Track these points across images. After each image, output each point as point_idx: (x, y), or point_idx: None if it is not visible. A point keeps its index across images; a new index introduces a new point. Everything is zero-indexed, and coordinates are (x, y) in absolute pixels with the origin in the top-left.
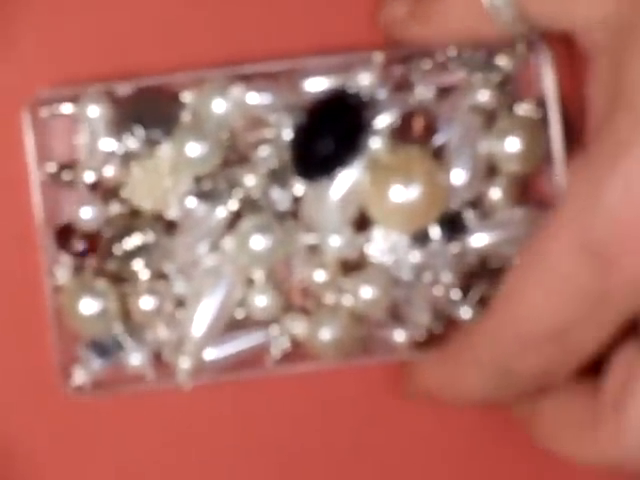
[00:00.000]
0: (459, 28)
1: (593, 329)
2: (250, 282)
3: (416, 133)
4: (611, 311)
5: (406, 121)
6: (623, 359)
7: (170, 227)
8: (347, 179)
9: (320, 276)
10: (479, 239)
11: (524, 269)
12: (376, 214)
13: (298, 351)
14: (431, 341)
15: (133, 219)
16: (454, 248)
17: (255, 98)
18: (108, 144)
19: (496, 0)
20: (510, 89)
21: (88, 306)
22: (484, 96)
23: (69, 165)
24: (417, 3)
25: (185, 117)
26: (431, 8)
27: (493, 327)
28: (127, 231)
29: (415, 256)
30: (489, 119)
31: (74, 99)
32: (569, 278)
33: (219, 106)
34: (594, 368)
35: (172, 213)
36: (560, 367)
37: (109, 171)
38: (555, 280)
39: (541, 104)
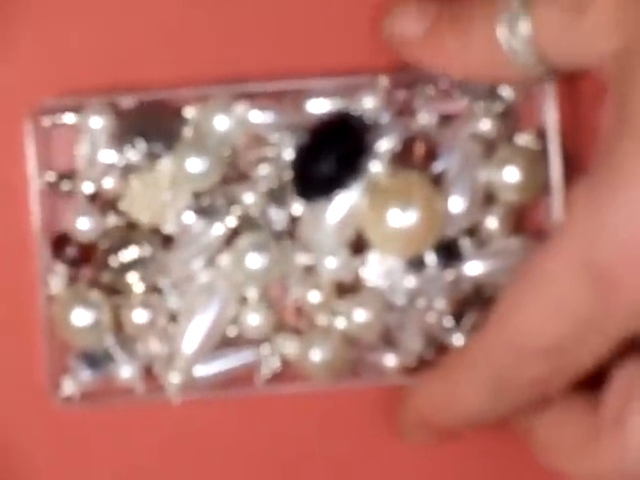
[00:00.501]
0: (475, 67)
1: (591, 346)
2: (243, 300)
3: (416, 159)
4: (610, 330)
5: (407, 146)
6: (624, 375)
7: (167, 241)
8: (345, 201)
9: (314, 297)
10: (474, 267)
11: (522, 285)
12: (373, 237)
13: (288, 371)
14: (422, 367)
15: (130, 232)
16: (449, 275)
17: (258, 116)
18: (108, 156)
19: (515, 43)
20: (511, 119)
21: (80, 317)
22: (485, 125)
23: (69, 175)
24: (433, 28)
25: (187, 132)
26: (449, 41)
27: (489, 342)
28: (123, 243)
29: (410, 281)
30: (489, 148)
31: (77, 109)
32: (568, 296)
33: (221, 123)
34: (592, 382)
35: (169, 227)
36: (556, 381)
37: (108, 183)
38: (554, 297)
39: (541, 135)
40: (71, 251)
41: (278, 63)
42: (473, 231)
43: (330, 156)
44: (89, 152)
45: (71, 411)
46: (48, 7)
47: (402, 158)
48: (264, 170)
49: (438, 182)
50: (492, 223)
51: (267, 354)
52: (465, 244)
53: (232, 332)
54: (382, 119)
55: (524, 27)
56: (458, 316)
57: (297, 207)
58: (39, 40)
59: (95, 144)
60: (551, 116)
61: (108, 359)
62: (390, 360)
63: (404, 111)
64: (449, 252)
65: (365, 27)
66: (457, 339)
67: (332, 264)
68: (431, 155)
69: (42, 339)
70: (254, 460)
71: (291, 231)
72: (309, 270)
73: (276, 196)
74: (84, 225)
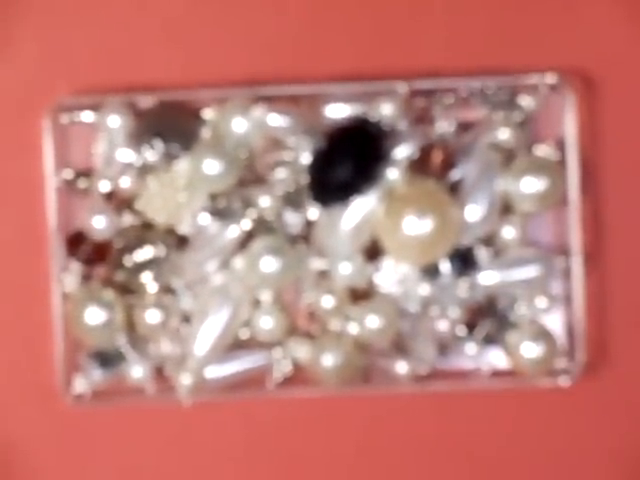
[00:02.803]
0: None
1: None
2: (257, 303)
3: (434, 166)
4: None
5: (425, 154)
6: None
7: (181, 242)
8: (361, 207)
9: (328, 302)
10: (489, 277)
11: None
12: (388, 244)
13: (300, 375)
14: (433, 376)
15: (145, 231)
16: (463, 284)
17: (276, 120)
18: (126, 155)
19: None
20: (530, 129)
21: (94, 315)
22: (504, 134)
23: (85, 173)
24: None
25: (205, 134)
26: None
27: None
28: (138, 243)
29: (424, 289)
30: (507, 158)
31: (95, 108)
32: None
33: (239, 125)
34: None
35: (184, 228)
36: None
37: (125, 182)
38: None
39: (560, 146)
40: (86, 249)
41: (297, 67)
42: (489, 240)
43: (347, 162)
44: (106, 151)
45: (82, 409)
46: (69, 5)
47: (419, 166)
48: (281, 174)
49: (455, 190)
50: (508, 233)
51: (279, 357)
52: (481, 253)
53: (244, 335)
54: (400, 126)
55: None
56: (471, 325)
57: (313, 211)
58: (59, 38)
59: (113, 143)
60: (570, 127)
61: (120, 358)
62: (402, 367)
63: (422, 118)
64: (464, 261)
65: (385, 33)
66: (470, 348)
67: (346, 269)
68: (448, 163)
69: (55, 337)
70: (263, 463)
71: (306, 235)
72: (323, 275)
73: (292, 200)
74: (99, 223)
